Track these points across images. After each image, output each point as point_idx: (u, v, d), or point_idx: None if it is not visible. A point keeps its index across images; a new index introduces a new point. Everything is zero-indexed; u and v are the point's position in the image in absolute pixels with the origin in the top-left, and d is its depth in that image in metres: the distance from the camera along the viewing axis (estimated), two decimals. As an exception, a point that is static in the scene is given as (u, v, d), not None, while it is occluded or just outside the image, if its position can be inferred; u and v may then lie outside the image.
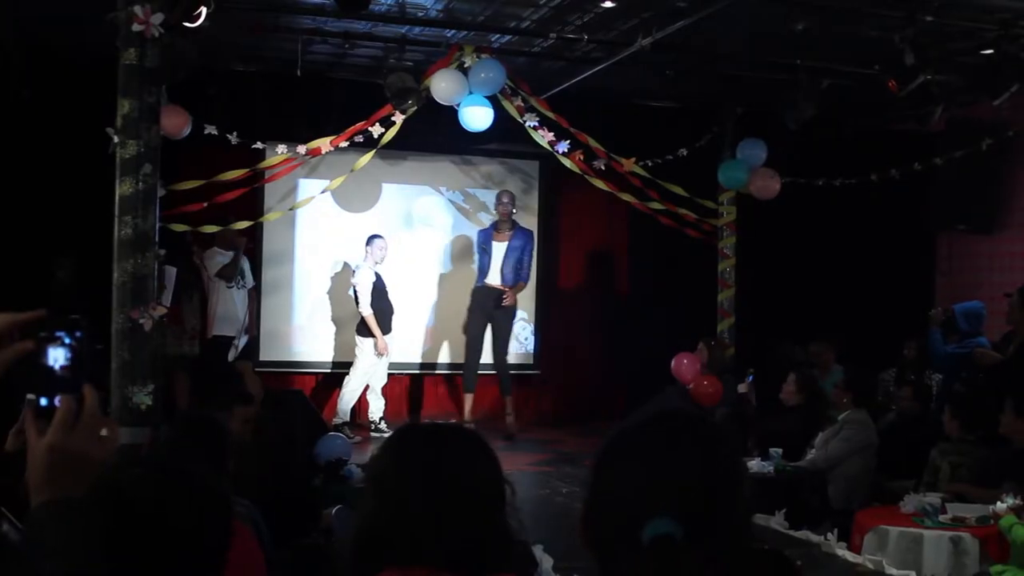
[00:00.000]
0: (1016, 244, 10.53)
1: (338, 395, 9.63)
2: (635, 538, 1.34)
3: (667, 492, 1.39)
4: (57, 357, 1.45)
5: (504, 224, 9.64)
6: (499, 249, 9.53)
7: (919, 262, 11.45)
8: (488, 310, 9.52)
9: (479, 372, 9.70)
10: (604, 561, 1.45)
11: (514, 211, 9.75)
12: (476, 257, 9.89)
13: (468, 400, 9.59)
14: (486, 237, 9.70)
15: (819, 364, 8.76)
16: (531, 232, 9.92)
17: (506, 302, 9.48)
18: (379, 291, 9.42)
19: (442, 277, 10.67)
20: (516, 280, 9.57)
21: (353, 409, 9.68)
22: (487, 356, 9.72)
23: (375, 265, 9.52)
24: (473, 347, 9.63)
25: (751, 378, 8.43)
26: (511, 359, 10.81)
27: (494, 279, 9.50)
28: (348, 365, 9.96)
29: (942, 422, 6.62)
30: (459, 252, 10.67)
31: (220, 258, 8.96)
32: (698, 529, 1.35)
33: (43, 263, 8.39)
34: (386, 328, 9.46)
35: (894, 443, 7.06)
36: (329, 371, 10.32)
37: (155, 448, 4.28)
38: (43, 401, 1.43)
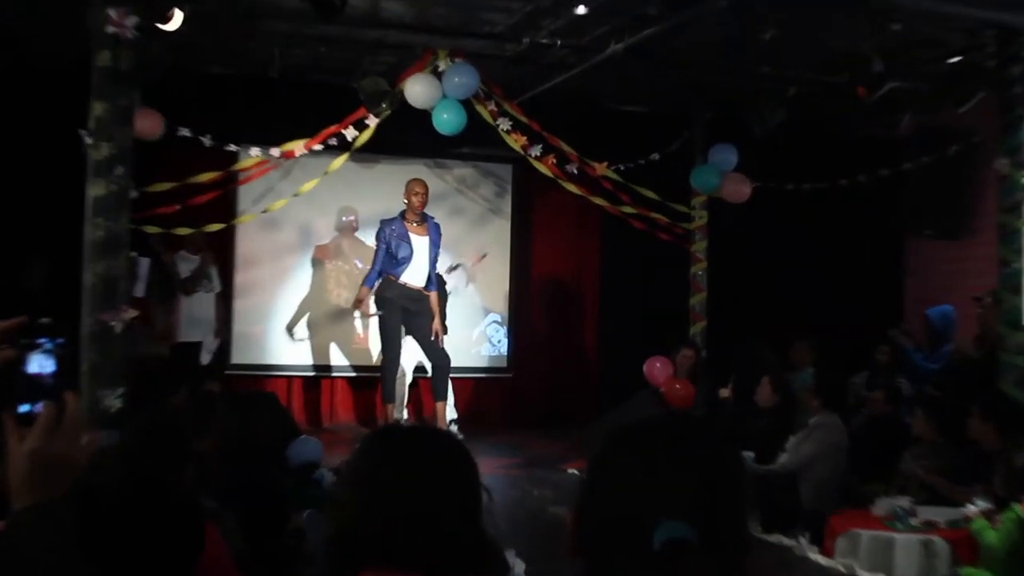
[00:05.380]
0: (982, 248, 10.55)
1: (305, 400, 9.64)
2: (637, 545, 1.32)
3: (674, 497, 1.36)
4: (39, 364, 1.43)
5: (417, 216, 8.90)
6: (421, 246, 8.87)
7: (889, 266, 11.53)
8: (406, 310, 8.85)
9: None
10: (598, 570, 1.41)
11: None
12: (387, 248, 8.78)
13: (391, 409, 9.05)
14: (402, 230, 8.81)
15: (798, 366, 8.84)
16: (438, 224, 9.25)
17: (436, 329, 9.07)
18: None
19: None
20: (431, 289, 9.01)
21: (319, 413, 9.70)
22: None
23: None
24: (397, 350, 9.00)
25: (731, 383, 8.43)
26: (483, 362, 10.85)
27: (415, 279, 8.87)
28: (323, 368, 10.03)
29: (911, 425, 6.68)
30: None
31: (185, 264, 8.94)
32: (707, 536, 1.33)
33: (13, 266, 8.30)
34: None
35: (865, 446, 7.09)
36: (304, 375, 10.31)
37: (117, 452, 4.24)
38: (25, 407, 1.41)
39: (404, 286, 8.77)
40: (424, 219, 8.93)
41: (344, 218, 10.49)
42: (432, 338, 9.01)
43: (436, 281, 9.10)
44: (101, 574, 1.77)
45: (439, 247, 9.04)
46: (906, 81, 8.14)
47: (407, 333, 9.02)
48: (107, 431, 5.72)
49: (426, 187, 8.94)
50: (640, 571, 1.33)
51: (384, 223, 8.88)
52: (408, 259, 8.75)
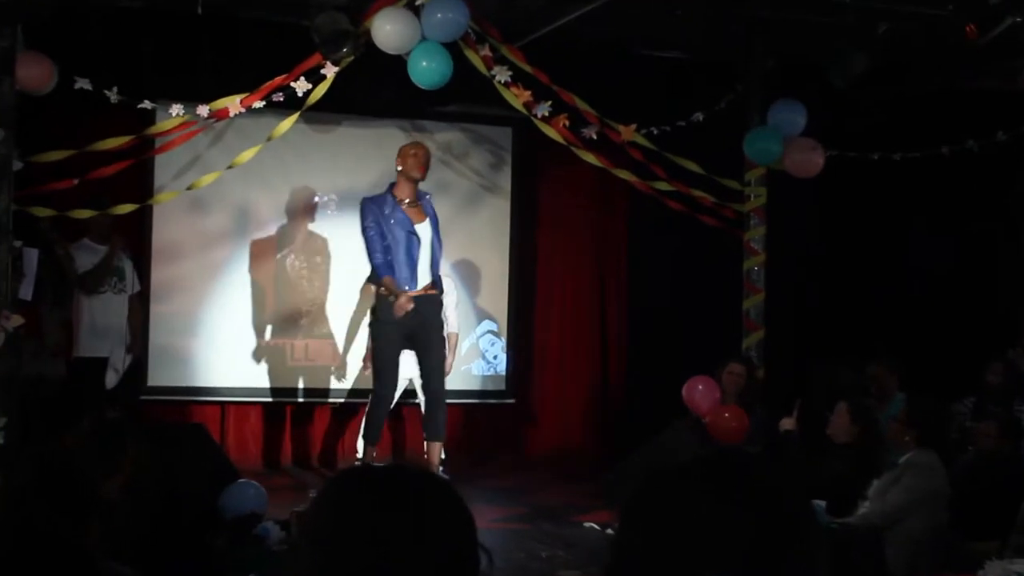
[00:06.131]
0: None
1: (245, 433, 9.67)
2: None
3: (727, 557, 1.42)
4: None
5: (412, 191, 8.81)
6: (425, 237, 8.80)
7: (1005, 259, 11.53)
8: (411, 327, 8.72)
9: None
10: None
11: None
12: (381, 245, 8.65)
13: (371, 453, 9.08)
14: (400, 218, 8.67)
15: (877, 392, 8.83)
16: (431, 199, 9.10)
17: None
18: None
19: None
20: (440, 287, 8.99)
21: (263, 450, 9.79)
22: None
23: None
24: (393, 384, 9.01)
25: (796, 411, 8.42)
26: (475, 384, 10.84)
27: (423, 282, 8.78)
28: (268, 392, 10.08)
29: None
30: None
31: (88, 256, 8.92)
32: None
33: None
34: None
35: (972, 493, 7.10)
36: (243, 400, 10.36)
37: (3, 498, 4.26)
38: None
39: (411, 295, 8.64)
40: (419, 197, 8.89)
41: (317, 197, 10.55)
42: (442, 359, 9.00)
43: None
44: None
45: (440, 236, 8.95)
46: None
47: (415, 353, 8.98)
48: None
49: (427, 149, 8.92)
50: None
51: (369, 203, 8.78)
52: (413, 256, 8.67)
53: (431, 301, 8.85)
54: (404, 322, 8.62)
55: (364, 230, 8.73)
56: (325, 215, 10.46)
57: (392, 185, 8.81)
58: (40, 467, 4.05)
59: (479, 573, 1.88)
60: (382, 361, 8.84)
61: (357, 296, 10.54)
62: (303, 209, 10.51)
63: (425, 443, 9.10)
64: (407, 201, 8.76)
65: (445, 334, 9.27)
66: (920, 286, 10.94)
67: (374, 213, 8.67)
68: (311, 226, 10.52)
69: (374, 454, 9.08)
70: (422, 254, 8.74)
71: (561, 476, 10.28)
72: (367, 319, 10.18)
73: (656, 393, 9.59)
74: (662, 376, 9.50)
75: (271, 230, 10.48)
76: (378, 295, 8.78)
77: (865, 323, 10.40)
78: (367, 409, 9.15)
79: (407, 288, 8.64)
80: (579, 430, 11.16)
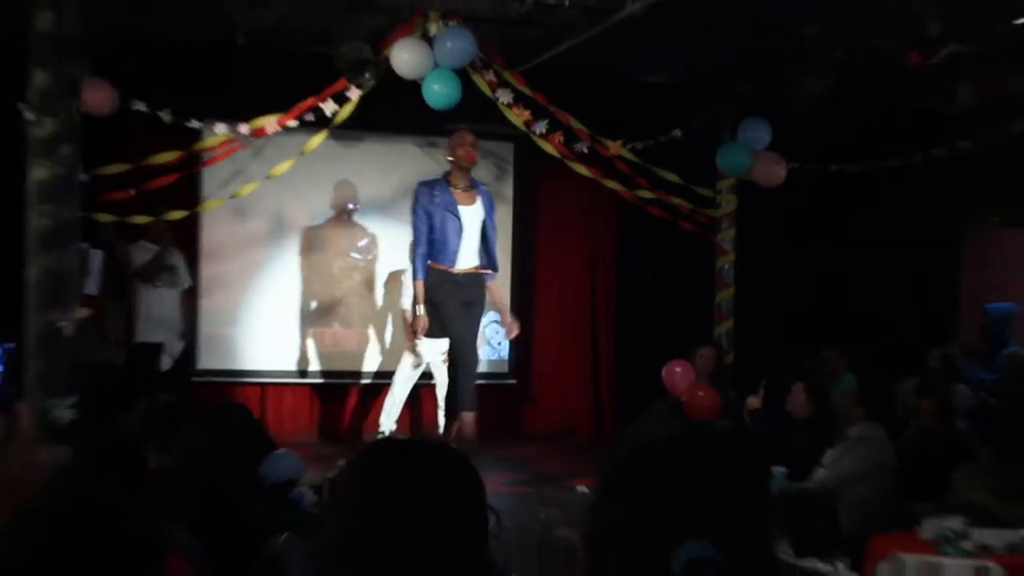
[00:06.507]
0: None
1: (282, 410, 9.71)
2: (657, 570, 1.41)
3: (696, 520, 1.45)
4: None
5: (464, 178, 8.60)
6: (471, 218, 8.54)
7: (945, 259, 11.56)
8: (463, 302, 8.46)
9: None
10: None
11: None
12: (428, 227, 8.41)
13: (468, 419, 8.47)
14: (446, 199, 8.45)
15: (829, 372, 8.88)
16: (488, 190, 8.96)
17: (510, 333, 9.12)
18: None
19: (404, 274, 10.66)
20: (495, 273, 8.79)
21: (298, 425, 9.87)
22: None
23: None
24: (474, 349, 8.53)
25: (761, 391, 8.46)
26: (482, 367, 10.79)
27: (468, 261, 8.56)
28: (304, 375, 10.24)
29: (967, 440, 6.72)
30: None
31: (144, 255, 8.96)
32: (729, 561, 1.41)
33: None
34: None
35: (914, 463, 7.14)
36: (282, 382, 10.41)
37: (67, 475, 4.30)
38: None
39: (447, 272, 8.41)
40: (473, 185, 8.65)
41: (351, 205, 10.60)
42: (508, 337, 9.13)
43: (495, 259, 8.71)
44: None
45: (494, 223, 8.70)
46: (967, 44, 8.08)
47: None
48: (58, 447, 5.81)
49: (473, 138, 8.59)
50: None
51: (422, 186, 8.54)
52: (457, 237, 8.41)
53: (474, 281, 8.61)
54: (457, 295, 8.39)
55: (412, 213, 8.56)
56: (351, 219, 10.54)
57: (447, 173, 8.63)
58: (100, 448, 4.10)
59: (488, 531, 1.92)
60: (458, 333, 8.39)
61: (383, 290, 10.66)
62: (333, 214, 10.56)
63: (459, 415, 8.52)
64: (460, 187, 8.53)
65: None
66: (869, 281, 10.95)
67: (424, 196, 8.45)
68: (339, 229, 10.57)
69: (463, 421, 8.45)
70: (465, 235, 8.45)
71: (558, 448, 10.36)
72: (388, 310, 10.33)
73: (640, 375, 9.63)
74: (645, 360, 9.53)
75: (304, 233, 10.53)
76: (428, 280, 8.42)
77: (821, 314, 10.43)
78: (458, 384, 8.43)
79: (448, 265, 8.39)
80: (573, 407, 11.20)
